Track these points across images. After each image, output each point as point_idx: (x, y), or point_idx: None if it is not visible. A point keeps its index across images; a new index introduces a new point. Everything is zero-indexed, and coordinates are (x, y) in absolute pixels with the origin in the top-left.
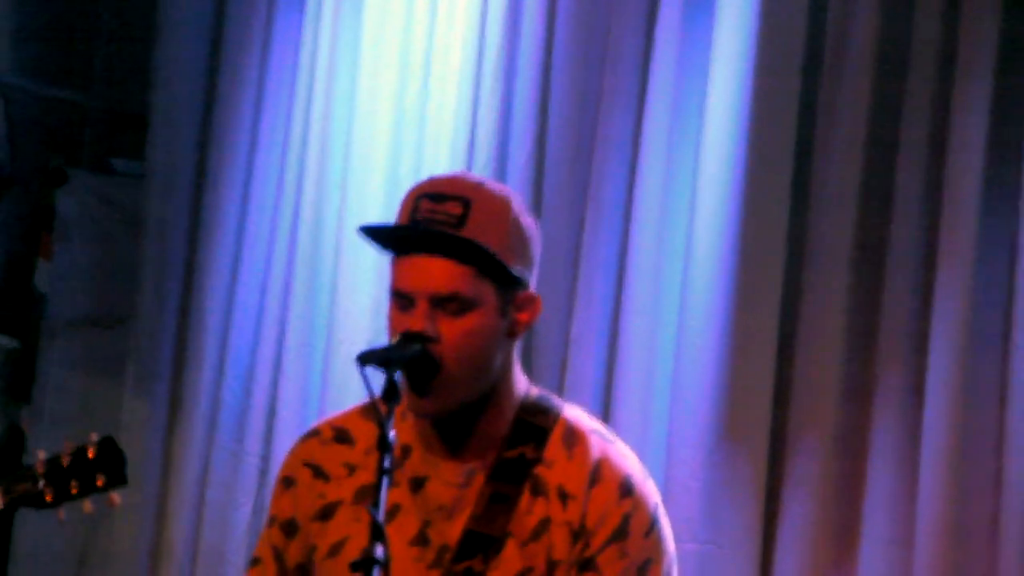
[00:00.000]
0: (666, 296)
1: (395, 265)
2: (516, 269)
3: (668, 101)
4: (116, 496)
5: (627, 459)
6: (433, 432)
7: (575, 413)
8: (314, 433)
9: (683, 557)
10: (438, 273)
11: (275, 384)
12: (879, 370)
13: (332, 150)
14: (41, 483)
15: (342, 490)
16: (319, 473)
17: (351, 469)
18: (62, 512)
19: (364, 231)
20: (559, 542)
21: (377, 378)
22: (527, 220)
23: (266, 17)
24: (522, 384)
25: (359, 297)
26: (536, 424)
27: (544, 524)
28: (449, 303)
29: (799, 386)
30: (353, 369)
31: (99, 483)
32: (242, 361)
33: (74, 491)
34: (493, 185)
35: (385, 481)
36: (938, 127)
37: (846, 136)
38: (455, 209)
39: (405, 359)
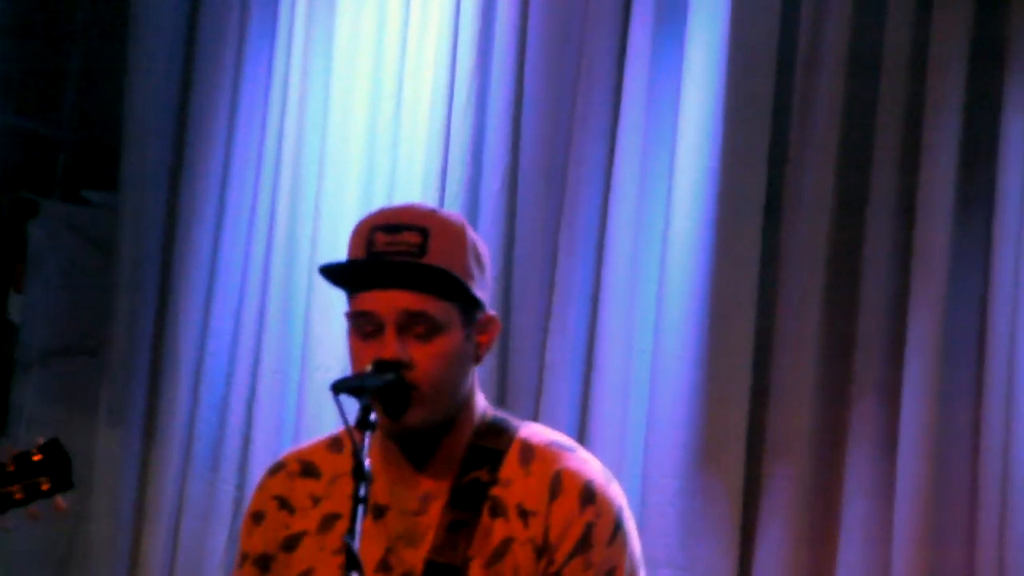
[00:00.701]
0: (640, 322)
1: (355, 299)
2: (477, 291)
3: (640, 119)
4: (61, 501)
5: (587, 464)
6: (395, 454)
7: (531, 430)
8: (280, 467)
9: None
10: (402, 298)
11: (249, 413)
12: (854, 394)
13: (305, 177)
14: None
15: (307, 521)
16: (284, 505)
17: (316, 500)
18: (5, 520)
19: (324, 271)
20: (524, 560)
21: (351, 406)
22: (481, 244)
23: (237, 45)
24: (480, 406)
25: (333, 325)
26: (490, 447)
27: (506, 544)
28: (417, 326)
29: (774, 413)
30: (328, 397)
31: (44, 487)
32: (216, 390)
33: (18, 497)
34: (445, 212)
35: (360, 510)
36: (911, 128)
37: (820, 140)
38: (413, 239)
39: (379, 387)
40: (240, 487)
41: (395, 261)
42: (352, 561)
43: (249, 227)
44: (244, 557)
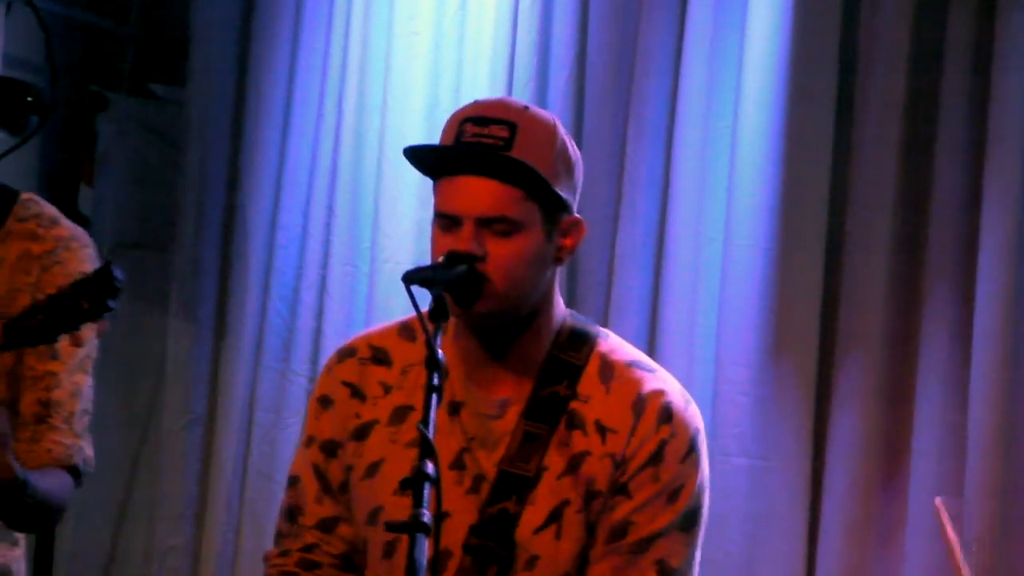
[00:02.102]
0: (710, 211)
1: (440, 187)
2: (562, 193)
3: (709, 16)
4: (100, 324)
5: (667, 385)
6: (471, 351)
7: (610, 344)
8: (350, 352)
9: (734, 472)
10: (485, 195)
11: (320, 305)
12: (928, 280)
13: (371, 72)
14: (38, 316)
15: (378, 410)
16: (356, 393)
17: (387, 389)
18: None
19: (409, 152)
20: (600, 473)
21: (423, 297)
22: (572, 146)
23: None
24: (560, 312)
25: (401, 218)
26: (569, 361)
27: (581, 456)
28: (496, 224)
29: (847, 298)
30: (398, 289)
31: (84, 306)
32: (286, 284)
33: (63, 320)
34: (538, 110)
35: (435, 399)
36: (975, 122)
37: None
38: (501, 132)
39: (450, 278)
40: (312, 379)
41: (480, 151)
42: (427, 448)
43: (317, 120)
44: (311, 440)
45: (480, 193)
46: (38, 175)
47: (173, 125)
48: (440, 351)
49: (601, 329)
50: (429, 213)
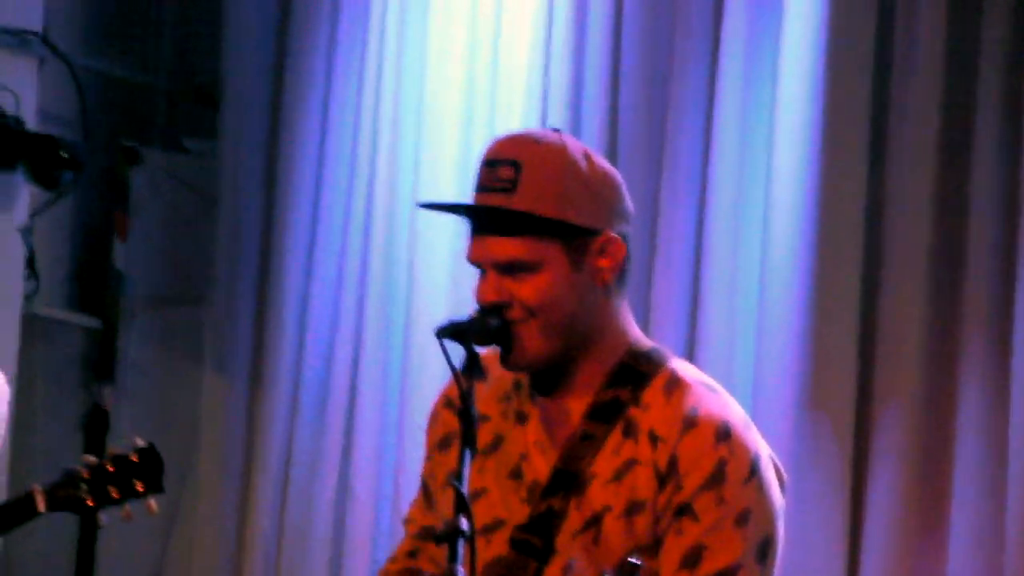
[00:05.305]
0: (745, 267)
1: (468, 236)
2: (581, 218)
3: (740, 66)
4: (153, 504)
5: (729, 408)
6: (534, 377)
7: (683, 365)
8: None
9: None
10: (495, 246)
11: (356, 360)
12: (964, 334)
13: (404, 122)
14: (83, 488)
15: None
16: (449, 403)
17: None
18: (101, 517)
19: (425, 208)
20: (642, 483)
21: (459, 350)
22: (589, 164)
23: None
24: (632, 334)
25: (436, 271)
26: (638, 369)
27: (629, 464)
28: (515, 268)
29: (883, 353)
30: (434, 343)
31: (139, 488)
32: (322, 338)
33: (115, 496)
34: (547, 138)
35: (468, 454)
36: (1012, 125)
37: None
38: (506, 173)
39: (482, 332)
40: (347, 434)
41: (479, 208)
42: (462, 504)
43: (350, 173)
44: (424, 459)
45: (490, 245)
46: (72, 229)
47: (206, 178)
48: (475, 408)
49: (676, 356)
50: (463, 265)
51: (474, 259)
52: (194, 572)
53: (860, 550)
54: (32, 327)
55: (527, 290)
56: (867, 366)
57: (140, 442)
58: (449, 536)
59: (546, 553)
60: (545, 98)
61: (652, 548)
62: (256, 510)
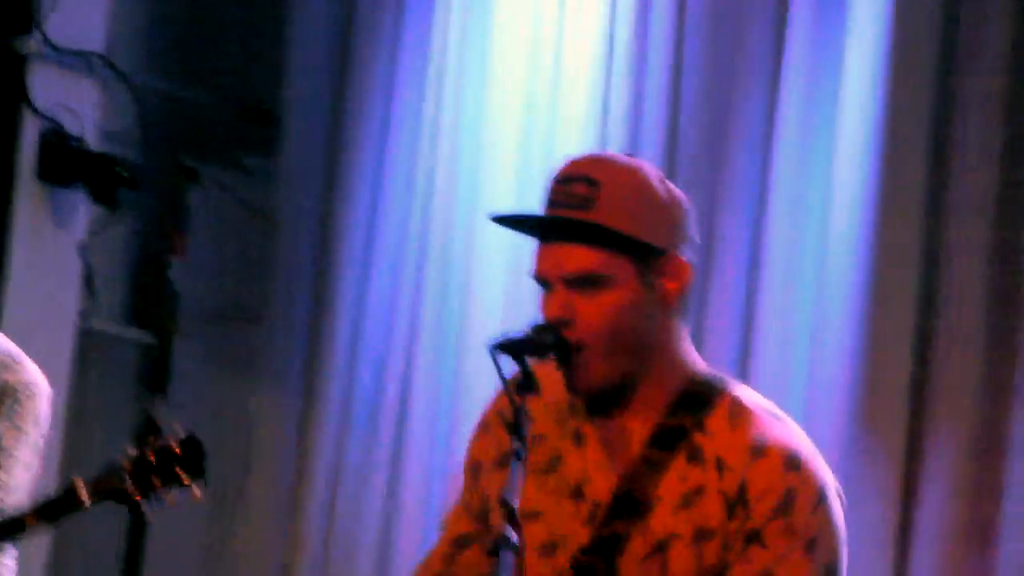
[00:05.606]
0: (801, 288)
1: (535, 251)
2: (653, 238)
3: (801, 93)
4: (197, 491)
5: (796, 436)
6: (591, 399)
7: (745, 391)
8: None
9: None
10: (568, 257)
11: (407, 373)
12: (1018, 365)
13: (463, 141)
14: (127, 479)
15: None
16: (503, 421)
17: (530, 417)
18: (145, 507)
19: (496, 220)
20: (713, 511)
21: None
22: (661, 187)
23: (395, 11)
24: (692, 359)
25: (491, 287)
26: (701, 395)
27: (698, 491)
28: (584, 283)
29: (936, 380)
30: (486, 359)
31: (182, 477)
32: (374, 351)
33: (157, 486)
34: (622, 159)
35: (518, 467)
36: None
37: (981, 134)
38: (582, 190)
39: (537, 349)
40: (397, 449)
41: (555, 218)
42: (511, 516)
43: (407, 189)
44: (464, 463)
45: (563, 256)
46: (130, 246)
47: (264, 196)
48: (528, 424)
49: (735, 381)
50: (518, 281)
51: (542, 272)
52: None
53: (908, 574)
54: (88, 342)
55: (593, 308)
56: (920, 389)
57: (181, 431)
58: (496, 548)
59: None
60: (605, 113)
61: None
62: (305, 525)
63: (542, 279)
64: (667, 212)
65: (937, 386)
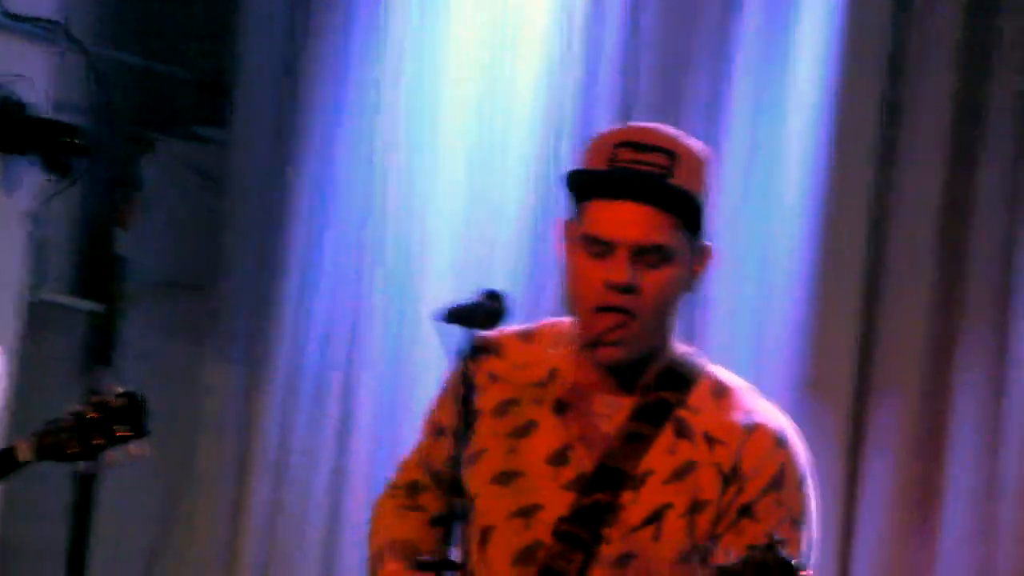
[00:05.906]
0: (748, 259)
1: (592, 211)
2: (708, 220)
3: (753, 68)
4: (135, 448)
5: (780, 415)
6: (597, 372)
7: (719, 368)
8: (470, 348)
9: None
10: (644, 222)
11: (355, 345)
12: (964, 331)
13: (416, 113)
14: (66, 436)
15: (485, 400)
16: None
17: (494, 379)
18: (87, 466)
19: (570, 175)
20: (707, 483)
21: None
22: (716, 178)
23: None
24: (673, 337)
25: (438, 260)
26: (681, 373)
27: (689, 465)
28: (650, 254)
29: (882, 349)
30: (428, 328)
31: (120, 434)
32: (322, 322)
33: (96, 442)
34: (692, 139)
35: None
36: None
37: (933, 89)
38: (661, 160)
39: (488, 315)
40: (344, 420)
41: (649, 176)
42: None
43: (359, 162)
44: (428, 422)
45: (639, 220)
46: (79, 216)
47: (219, 166)
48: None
49: (708, 359)
50: (466, 254)
51: (609, 235)
52: (191, 554)
53: (853, 537)
54: (36, 312)
55: (653, 281)
56: (866, 356)
57: (118, 389)
58: (435, 565)
59: (593, 545)
60: (561, 86)
61: (708, 547)
62: (253, 498)
63: (608, 241)
64: (713, 198)
65: (882, 355)
